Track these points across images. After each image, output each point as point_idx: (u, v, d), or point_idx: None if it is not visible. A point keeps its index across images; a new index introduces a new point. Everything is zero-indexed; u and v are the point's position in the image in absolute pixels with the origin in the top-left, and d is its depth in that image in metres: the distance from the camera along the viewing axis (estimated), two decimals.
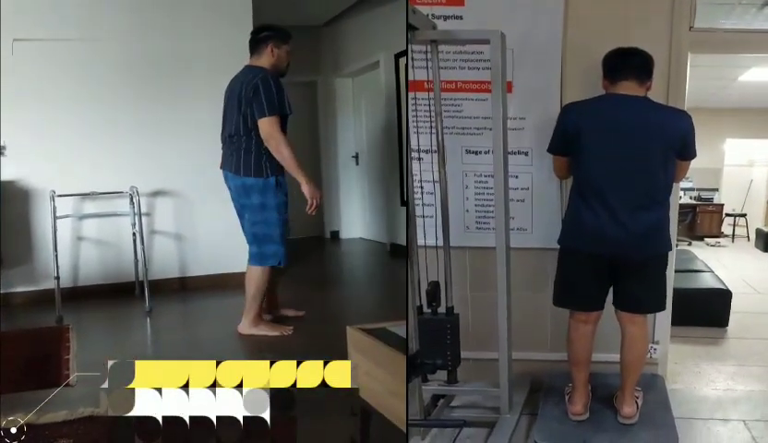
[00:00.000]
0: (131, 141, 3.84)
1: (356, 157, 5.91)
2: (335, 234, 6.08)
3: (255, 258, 2.63)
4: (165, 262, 3.89)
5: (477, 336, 2.05)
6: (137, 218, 3.52)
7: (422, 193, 1.92)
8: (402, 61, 4.92)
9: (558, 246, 1.82)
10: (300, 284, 4.02)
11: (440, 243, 1.84)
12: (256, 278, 2.63)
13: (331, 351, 2.45)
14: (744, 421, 1.91)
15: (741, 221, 7.53)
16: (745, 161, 7.86)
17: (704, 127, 6.77)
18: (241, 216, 2.73)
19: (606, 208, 1.68)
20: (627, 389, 1.81)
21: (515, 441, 1.75)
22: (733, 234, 7.49)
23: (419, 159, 1.88)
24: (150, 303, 3.32)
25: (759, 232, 6.62)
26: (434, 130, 1.85)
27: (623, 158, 1.68)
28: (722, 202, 7.67)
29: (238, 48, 4.07)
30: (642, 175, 1.68)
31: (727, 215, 7.62)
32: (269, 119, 2.47)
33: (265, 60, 2.61)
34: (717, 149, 7.58)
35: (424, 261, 1.77)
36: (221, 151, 3.97)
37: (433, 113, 1.83)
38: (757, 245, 6.56)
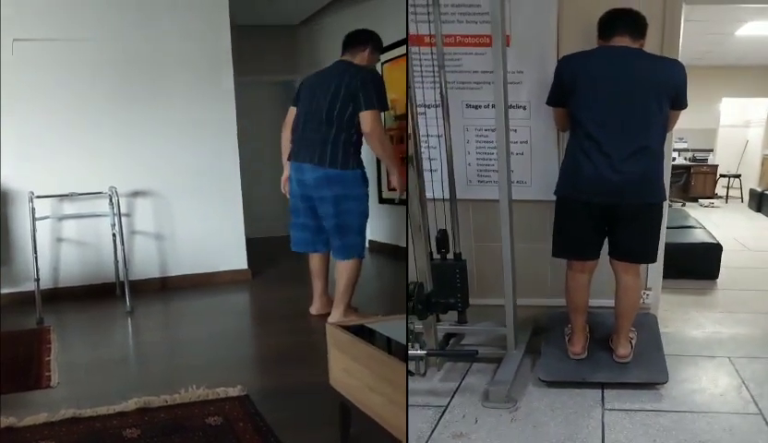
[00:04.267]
0: (110, 142, 3.99)
1: None
2: None
3: (340, 252, 2.77)
4: (146, 262, 4.06)
5: (482, 284, 2.30)
6: (116, 218, 3.66)
7: (428, 148, 2.11)
8: None
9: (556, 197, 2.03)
10: (280, 282, 4.26)
11: (446, 195, 2.06)
12: (348, 270, 2.78)
13: (312, 347, 2.58)
14: (729, 357, 2.21)
15: (735, 182, 7.94)
16: (741, 121, 8.17)
17: (699, 86, 7.09)
18: (310, 209, 2.81)
19: (603, 155, 1.86)
20: (621, 333, 2.06)
21: (521, 374, 2.02)
22: (727, 196, 7.91)
23: (423, 113, 2.08)
24: (132, 303, 3.45)
25: (752, 192, 7.04)
26: (437, 85, 2.04)
27: (619, 106, 1.87)
28: (716, 163, 8.05)
29: (216, 48, 4.22)
30: (637, 123, 1.88)
31: (722, 176, 8.01)
32: (375, 112, 2.62)
33: (359, 60, 2.77)
34: (713, 109, 7.86)
35: (432, 213, 1.99)
36: (203, 150, 4.10)
37: (436, 67, 2.01)
38: (750, 206, 6.98)
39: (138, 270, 3.97)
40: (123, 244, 3.65)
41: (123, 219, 3.85)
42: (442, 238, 1.95)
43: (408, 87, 1.89)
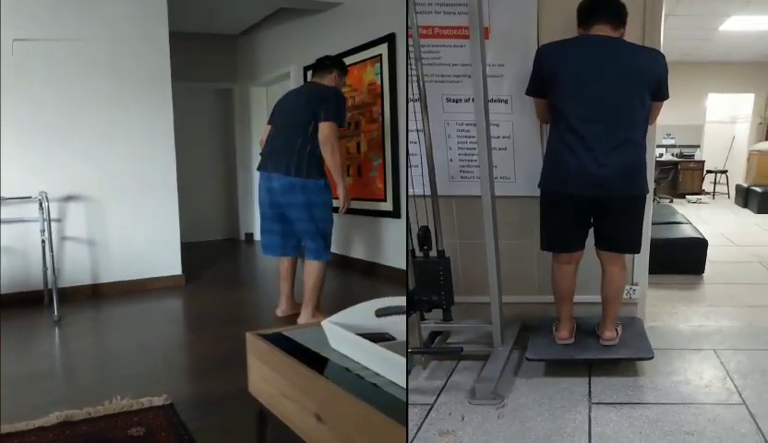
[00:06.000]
0: (42, 144, 3.91)
1: None
2: (250, 236, 6.64)
3: (313, 253, 3.02)
4: (77, 269, 4.01)
5: (468, 282, 2.32)
6: (46, 224, 3.60)
7: (406, 143, 2.12)
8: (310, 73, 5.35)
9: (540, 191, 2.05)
10: (214, 287, 4.27)
11: (428, 191, 2.07)
12: (316, 271, 3.04)
13: (241, 354, 2.59)
14: (714, 349, 2.26)
15: (722, 178, 8.10)
16: (727, 117, 8.36)
17: (686, 82, 7.23)
18: (279, 215, 3.08)
19: (586, 148, 1.89)
20: (608, 319, 2.12)
21: (508, 370, 2.04)
22: (714, 191, 8.06)
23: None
24: (60, 312, 3.40)
25: (738, 188, 7.18)
26: (414, 78, 2.04)
27: (601, 98, 1.88)
28: (703, 159, 8.21)
29: (154, 53, 4.20)
30: (620, 115, 1.89)
31: (708, 172, 8.17)
32: (332, 124, 2.96)
33: (327, 81, 3.18)
34: (699, 105, 8.01)
35: (413, 209, 2.01)
36: (139, 155, 4.17)
37: (413, 59, 2.03)
38: (737, 202, 7.12)
39: (68, 278, 3.93)
40: (52, 250, 3.60)
41: (54, 224, 3.80)
42: (424, 235, 1.96)
43: (407, 82, 1.90)
